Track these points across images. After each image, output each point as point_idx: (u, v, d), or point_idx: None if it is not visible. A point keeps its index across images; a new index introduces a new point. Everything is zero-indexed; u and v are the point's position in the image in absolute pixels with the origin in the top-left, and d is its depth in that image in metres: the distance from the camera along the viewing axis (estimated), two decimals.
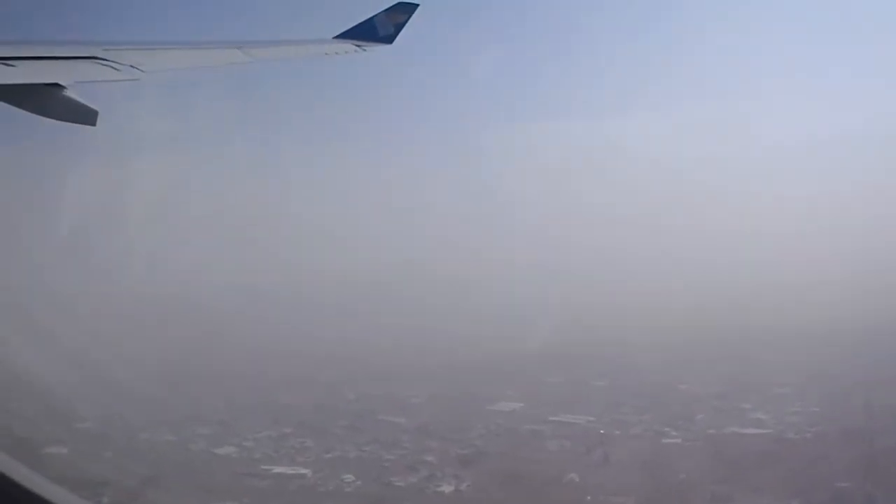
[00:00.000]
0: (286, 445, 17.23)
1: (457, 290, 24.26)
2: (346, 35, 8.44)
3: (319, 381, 20.23)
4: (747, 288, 25.50)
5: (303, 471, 16.26)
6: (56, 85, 6.50)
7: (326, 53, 8.32)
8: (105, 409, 16.13)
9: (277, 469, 16.24)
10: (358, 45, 8.35)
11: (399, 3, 8.66)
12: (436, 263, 25.08)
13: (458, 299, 24.24)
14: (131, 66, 6.92)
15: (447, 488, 15.82)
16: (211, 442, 16.78)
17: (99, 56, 6.81)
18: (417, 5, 8.61)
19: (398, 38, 8.62)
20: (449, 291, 24.50)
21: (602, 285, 25.60)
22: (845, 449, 16.20)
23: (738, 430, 18.17)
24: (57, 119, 6.70)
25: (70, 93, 6.57)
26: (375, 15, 8.56)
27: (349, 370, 20.73)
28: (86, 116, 6.63)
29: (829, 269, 25.49)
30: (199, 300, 21.44)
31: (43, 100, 6.48)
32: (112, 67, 6.83)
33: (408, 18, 8.64)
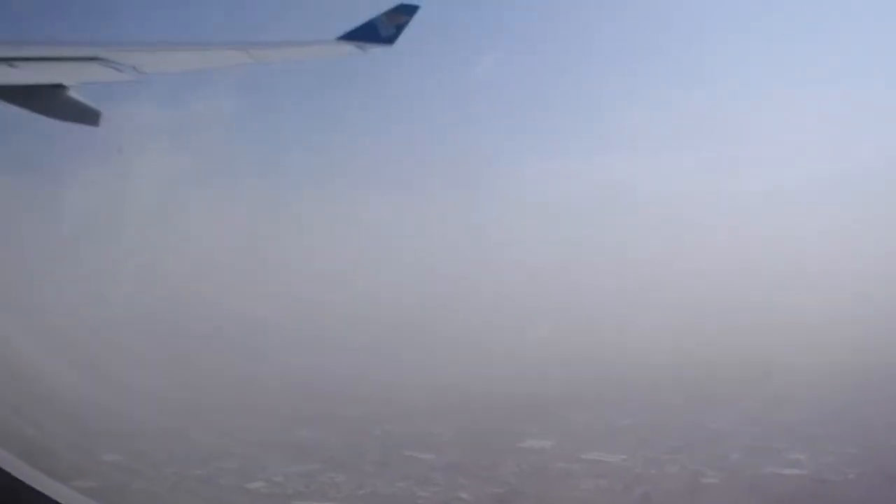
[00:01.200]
0: (317, 481, 16.84)
1: (471, 326, 23.85)
2: (348, 36, 8.53)
3: (342, 416, 19.86)
4: (766, 324, 24.79)
5: None
6: (59, 85, 6.57)
7: (328, 54, 8.39)
8: (127, 440, 15.97)
9: None
10: (359, 47, 8.43)
11: (400, 5, 8.76)
12: (451, 296, 24.71)
13: (473, 336, 23.81)
14: (134, 67, 6.99)
15: None
16: (240, 476, 16.46)
17: (101, 56, 6.88)
18: (418, 7, 8.71)
19: (399, 40, 8.69)
20: (463, 327, 24.06)
21: (619, 323, 25.03)
22: (892, 491, 15.46)
23: (776, 471, 17.44)
24: (60, 119, 6.75)
25: (73, 93, 6.63)
26: (377, 16, 8.66)
27: (371, 406, 20.36)
28: (89, 117, 6.69)
29: (852, 305, 24.73)
30: (209, 327, 21.31)
31: (46, 100, 6.56)
32: (115, 68, 6.90)
33: (409, 19, 8.72)
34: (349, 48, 8.31)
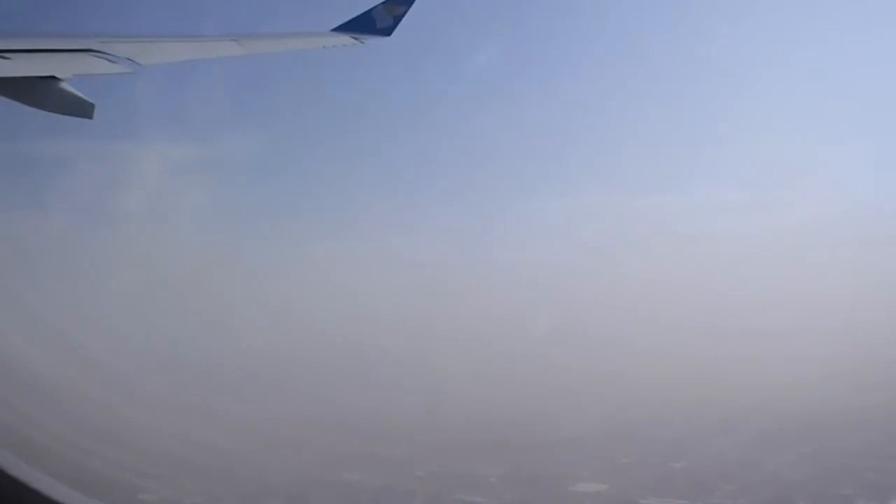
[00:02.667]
0: None
1: (507, 362, 23.29)
2: (344, 28, 8.46)
3: (382, 456, 19.10)
4: (815, 362, 23.75)
5: None
6: (52, 78, 6.49)
7: (324, 46, 8.31)
8: (167, 480, 15.60)
9: None
10: (356, 38, 8.36)
11: None
12: (486, 331, 24.14)
13: (510, 373, 23.19)
14: (128, 59, 6.93)
15: None
16: None
17: (95, 48, 6.82)
18: None
19: (396, 31, 8.62)
20: (499, 364, 23.47)
21: (661, 361, 24.21)
22: None
23: None
24: (53, 112, 6.67)
25: (66, 85, 6.56)
26: (373, 7, 8.59)
27: (412, 445, 19.57)
28: (82, 109, 6.61)
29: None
30: (244, 365, 20.70)
31: (39, 93, 6.48)
32: (108, 60, 6.83)
33: (406, 11, 8.65)
34: (346, 39, 8.25)
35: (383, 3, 8.59)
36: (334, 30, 8.45)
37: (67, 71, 6.57)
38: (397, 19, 8.60)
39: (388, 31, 8.59)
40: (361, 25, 8.48)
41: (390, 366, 22.96)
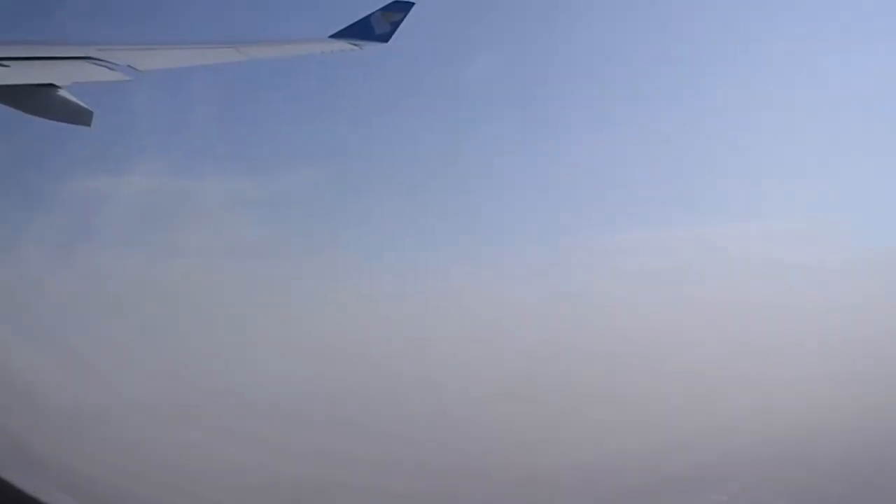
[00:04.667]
0: None
1: (580, 400, 22.78)
2: (342, 34, 8.48)
3: (463, 494, 18.45)
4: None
5: None
6: (51, 85, 6.52)
7: (322, 52, 8.33)
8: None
9: None
10: (354, 44, 8.38)
11: (395, 2, 8.71)
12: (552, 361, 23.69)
13: (584, 409, 22.57)
14: (126, 66, 6.96)
15: None
16: None
17: (94, 56, 6.85)
18: (413, 4, 8.66)
19: (394, 37, 8.66)
20: (571, 401, 22.95)
21: (737, 389, 23.42)
22: None
23: None
24: (52, 120, 6.70)
25: (65, 93, 6.58)
26: (371, 14, 8.62)
27: (490, 484, 18.91)
28: (81, 117, 6.63)
29: None
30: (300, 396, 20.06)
31: (38, 100, 6.50)
32: (107, 67, 6.86)
33: (404, 17, 8.67)
34: (344, 46, 8.27)
35: (381, 9, 8.64)
36: (332, 36, 8.48)
37: (66, 78, 6.59)
38: (395, 25, 8.63)
39: (385, 38, 8.62)
40: (359, 32, 8.50)
41: (451, 403, 22.47)
